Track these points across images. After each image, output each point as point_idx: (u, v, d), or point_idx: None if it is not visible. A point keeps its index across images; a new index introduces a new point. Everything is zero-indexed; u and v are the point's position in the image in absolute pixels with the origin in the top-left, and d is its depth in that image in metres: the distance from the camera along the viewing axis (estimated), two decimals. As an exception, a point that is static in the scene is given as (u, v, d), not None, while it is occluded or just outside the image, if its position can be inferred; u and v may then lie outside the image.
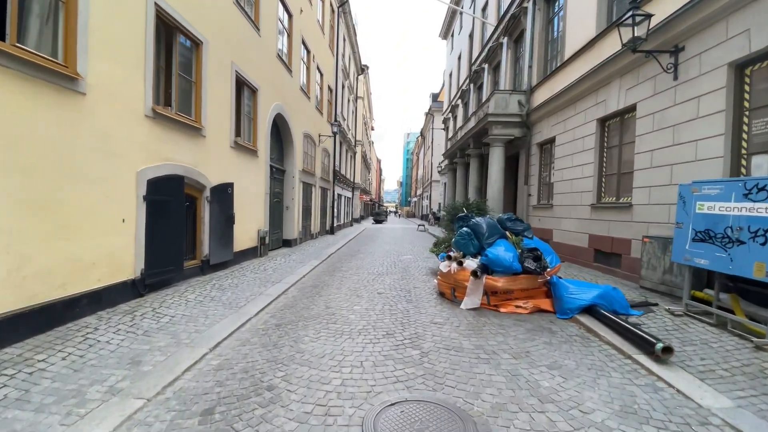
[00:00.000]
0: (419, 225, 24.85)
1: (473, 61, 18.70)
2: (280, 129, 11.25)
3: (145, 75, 4.98)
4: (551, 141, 9.88)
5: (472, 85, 18.45)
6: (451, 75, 26.33)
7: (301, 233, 12.69)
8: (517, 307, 4.96)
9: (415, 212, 63.11)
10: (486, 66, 16.00)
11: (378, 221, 38.04)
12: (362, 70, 28.39)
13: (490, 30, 15.96)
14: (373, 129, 55.42)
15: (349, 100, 23.95)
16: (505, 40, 13.60)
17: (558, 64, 9.53)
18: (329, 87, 17.14)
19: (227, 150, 7.36)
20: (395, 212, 78.15)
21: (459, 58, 23.35)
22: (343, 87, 20.95)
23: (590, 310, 4.67)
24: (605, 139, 7.67)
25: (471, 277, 5.02)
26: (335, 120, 15.18)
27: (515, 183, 12.72)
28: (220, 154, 7.10)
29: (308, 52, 13.35)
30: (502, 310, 4.94)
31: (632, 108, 6.71)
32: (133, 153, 4.83)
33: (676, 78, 5.71)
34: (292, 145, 11.60)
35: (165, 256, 5.46)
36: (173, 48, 5.76)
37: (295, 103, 11.86)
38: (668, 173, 5.77)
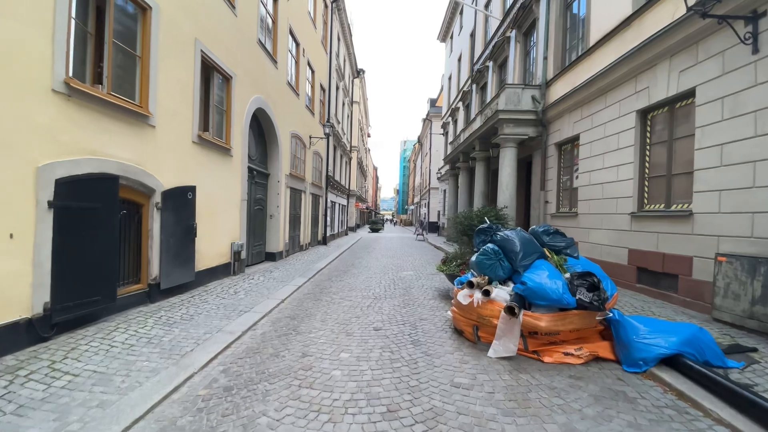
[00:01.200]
0: (418, 234, 23.48)
1: (475, 60, 17.57)
2: (263, 127, 9.91)
3: (54, 35, 3.61)
4: (574, 140, 8.61)
5: (474, 86, 17.29)
6: (450, 78, 25.26)
7: (287, 245, 11.26)
8: (566, 354, 3.58)
9: (412, 220, 61.79)
10: (491, 64, 14.84)
11: (374, 230, 36.64)
12: (358, 73, 27.30)
13: (494, 25, 14.84)
14: (369, 136, 54.37)
15: (344, 103, 22.75)
16: (513, 34, 12.45)
17: (581, 52, 8.30)
18: (322, 86, 15.89)
19: (188, 146, 5.98)
20: (391, 220, 76.83)
21: (459, 59, 22.28)
22: (337, 88, 19.75)
23: (671, 359, 3.32)
24: (648, 134, 6.39)
25: (502, 313, 3.64)
26: (328, 121, 13.92)
27: (527, 189, 11.43)
28: (178, 151, 5.72)
29: (297, 44, 12.10)
30: (547, 359, 3.55)
31: (689, 94, 5.43)
32: (30, 141, 3.44)
33: (756, 51, 4.44)
34: (278, 145, 10.24)
35: (86, 283, 4.04)
36: (107, 9, 4.41)
37: (282, 99, 10.54)
38: (749, 172, 4.46)
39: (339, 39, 20.02)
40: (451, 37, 25.30)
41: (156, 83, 5.13)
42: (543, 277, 3.65)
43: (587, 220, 7.74)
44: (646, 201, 6.36)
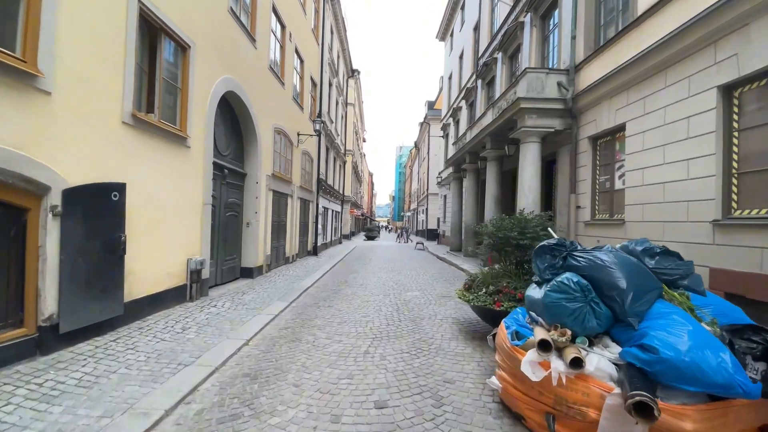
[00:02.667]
0: (417, 243, 21.84)
1: (480, 54, 16.13)
2: (238, 117, 8.25)
3: None
4: (616, 131, 7.06)
5: (479, 81, 15.82)
6: (450, 77, 23.86)
7: (269, 258, 9.55)
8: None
9: (408, 227, 60.15)
10: (499, 55, 13.37)
11: (370, 237, 34.95)
12: (353, 72, 25.84)
13: (503, 13, 13.42)
14: (365, 140, 52.91)
15: (337, 102, 21.21)
16: (527, 18, 10.99)
17: (623, 25, 6.81)
18: (313, 80, 14.32)
19: (114, 128, 4.31)
20: (387, 227, 75.11)
21: (461, 56, 20.89)
22: (330, 85, 18.22)
23: None
24: (735, 116, 4.84)
25: (609, 403, 2.00)
26: (318, 116, 12.33)
27: (548, 192, 9.86)
28: (95, 133, 4.05)
29: (283, 27, 10.52)
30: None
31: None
32: None
33: None
34: (257, 140, 8.59)
35: None
36: None
37: (262, 85, 8.92)
38: None
39: (332, 32, 18.54)
40: (451, 35, 23.98)
41: (54, 29, 3.48)
42: (685, 337, 2.00)
43: (640, 229, 6.15)
44: (734, 205, 4.78)
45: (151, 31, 5.13)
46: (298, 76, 12.30)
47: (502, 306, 3.93)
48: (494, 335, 3.52)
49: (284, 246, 11.07)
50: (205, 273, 6.37)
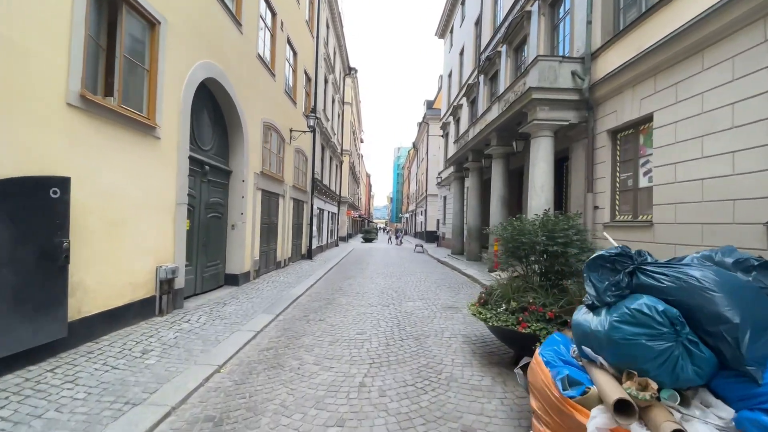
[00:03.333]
0: (416, 246, 21.11)
1: (482, 49, 15.47)
2: (222, 109, 7.51)
3: None
4: (641, 123, 6.37)
5: (482, 77, 15.15)
6: (450, 75, 23.21)
7: (257, 263, 8.78)
8: None
9: (406, 229, 59.45)
10: (504, 48, 12.71)
11: (368, 239, 34.21)
12: (350, 70, 25.14)
13: (507, 5, 12.76)
14: (362, 141, 52.23)
15: (334, 100, 20.49)
16: (535, 7, 10.33)
17: (651, 5, 6.12)
18: (307, 74, 13.59)
19: (56, 109, 3.56)
20: (384, 229, 74.28)
21: (461, 52, 20.24)
22: (326, 81, 17.50)
23: None
24: (795, 100, 4.15)
25: None
26: (313, 111, 11.59)
27: (560, 190, 9.15)
28: (27, 115, 3.29)
29: (273, 14, 9.80)
30: None
31: None
32: None
33: None
34: (243, 134, 7.84)
35: None
36: None
37: (249, 74, 8.18)
38: None
39: (328, 26, 17.83)
40: (451, 32, 23.35)
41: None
42: None
43: (673, 232, 5.45)
44: (794, 204, 4.09)
45: (111, 1, 4.38)
46: (290, 69, 11.57)
47: (529, 328, 3.20)
48: (523, 367, 2.79)
49: (275, 250, 10.31)
50: (180, 282, 5.61)
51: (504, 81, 12.59)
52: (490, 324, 3.44)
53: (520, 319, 3.29)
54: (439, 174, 24.27)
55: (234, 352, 4.12)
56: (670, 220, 5.51)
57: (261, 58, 8.82)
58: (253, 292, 7.27)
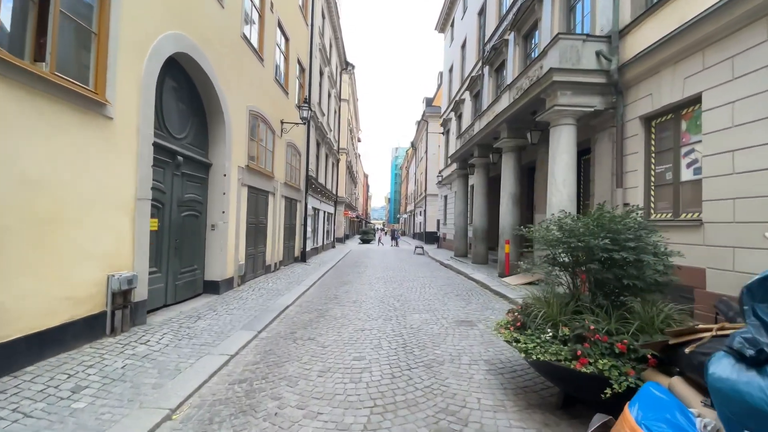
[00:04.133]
0: (416, 247, 20.22)
1: (487, 39, 14.62)
2: (199, 92, 6.58)
3: None
4: (685, 106, 5.50)
5: (486, 68, 14.29)
6: (451, 69, 22.38)
7: (242, 268, 7.85)
8: None
9: (405, 230, 58.61)
10: (512, 35, 11.85)
11: (365, 240, 33.29)
12: (346, 65, 24.24)
13: (515, -10, 11.90)
14: (359, 140, 51.34)
15: (330, 95, 19.58)
16: (548, -13, 9.47)
17: (695, -32, 5.25)
18: (300, 63, 12.67)
19: (-58, 66, 2.63)
20: (382, 229, 73.28)
21: (463, 45, 19.40)
22: (321, 74, 16.59)
23: None
24: None
25: None
26: (306, 101, 10.66)
27: (579, 187, 8.26)
28: None
29: (262, -7, 8.88)
30: None
31: None
32: None
33: None
34: (225, 123, 6.91)
35: None
36: None
37: (232, 54, 7.25)
38: None
39: (323, 16, 16.93)
40: (452, 25, 22.53)
41: None
42: None
43: (730, 233, 4.57)
44: None
45: (41, -60, 3.45)
46: (281, 56, 10.65)
47: (591, 365, 2.30)
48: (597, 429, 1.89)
49: (264, 253, 9.37)
50: (141, 293, 4.67)
51: (512, 70, 11.73)
52: (535, 358, 2.53)
53: (579, 352, 2.38)
54: (440, 173, 23.40)
55: (195, 387, 3.20)
56: (726, 219, 4.63)
57: (246, 39, 7.90)
58: (235, 302, 6.34)
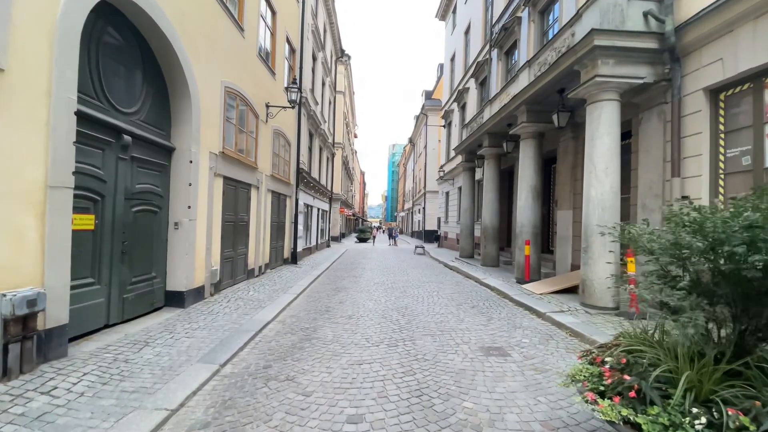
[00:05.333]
0: (417, 247, 19.01)
1: (495, 20, 13.38)
2: (158, 58, 5.30)
3: None
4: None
5: (495, 52, 13.06)
6: (453, 58, 21.14)
7: (216, 274, 6.60)
8: None
9: (402, 228, 57.43)
10: (525, 12, 10.63)
11: (362, 239, 32.04)
12: (342, 53, 22.92)
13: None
14: (356, 136, 49.98)
15: (324, 84, 18.27)
16: (572, -49, 8.24)
17: None
18: (290, 42, 11.38)
19: None
20: (379, 227, 72.04)
21: (466, 31, 18.16)
22: (315, 59, 15.29)
23: None
24: None
25: None
26: (295, 82, 9.35)
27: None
28: None
29: (242, -48, 7.57)
30: None
31: None
32: None
33: None
34: (190, 99, 5.63)
35: None
36: None
37: (200, 15, 5.97)
38: None
39: (317, -3, 15.60)
40: (454, 11, 21.28)
41: None
42: None
43: None
44: None
45: None
46: (267, 30, 9.36)
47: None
48: None
49: (245, 255, 8.11)
50: (57, 316, 3.41)
51: (526, 50, 10.51)
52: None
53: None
54: (441, 167, 22.18)
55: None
56: None
57: (223, 4, 6.60)
58: (202, 318, 5.09)
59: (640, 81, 5.49)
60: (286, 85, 9.90)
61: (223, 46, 6.76)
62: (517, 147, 9.92)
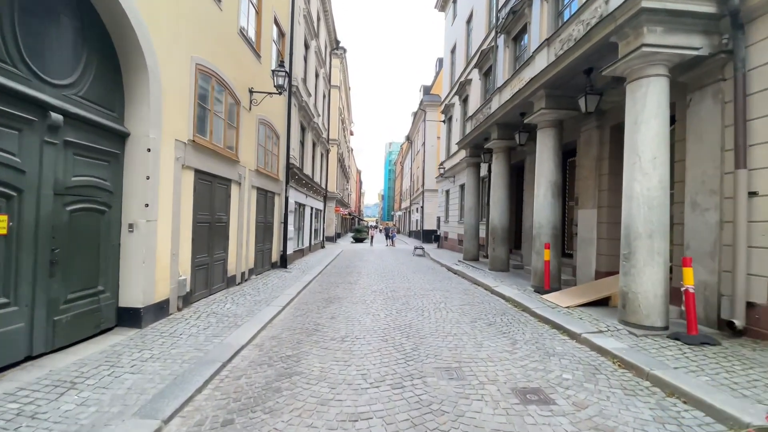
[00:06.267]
0: (416, 248, 18.04)
1: (502, 4, 12.43)
2: (103, 19, 4.27)
3: None
4: None
5: (502, 38, 12.11)
6: (454, 49, 20.19)
7: (185, 285, 5.58)
8: None
9: (399, 228, 56.49)
10: (537, -8, 9.68)
11: (358, 239, 31.04)
12: (337, 44, 21.86)
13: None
14: (352, 134, 48.94)
15: (318, 75, 17.24)
16: None
17: None
18: (279, 24, 10.35)
19: None
20: (375, 227, 71.08)
21: (468, 20, 17.22)
22: (307, 48, 14.26)
23: None
24: None
25: None
26: (281, 64, 8.30)
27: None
28: None
29: None
30: None
31: None
32: None
33: None
34: (147, 72, 4.60)
35: None
36: None
37: (163, -24, 4.94)
38: None
39: (310, -20, 14.54)
40: (454, 0, 20.30)
41: None
42: None
43: None
44: None
45: None
46: (251, 7, 8.32)
47: None
48: None
49: (224, 260, 7.09)
50: None
51: (538, 34, 9.56)
52: None
53: None
54: (441, 164, 21.22)
55: None
56: None
57: (190, -40, 5.58)
58: (159, 344, 4.08)
59: (694, 52, 4.54)
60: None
61: (194, 15, 5.73)
62: (530, 139, 8.98)
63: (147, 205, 4.67)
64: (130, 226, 4.62)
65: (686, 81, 5.11)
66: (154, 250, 4.81)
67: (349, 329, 4.91)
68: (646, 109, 4.60)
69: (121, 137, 4.59)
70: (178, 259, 5.40)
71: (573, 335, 4.55)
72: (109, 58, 4.40)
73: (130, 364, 3.57)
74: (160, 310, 4.98)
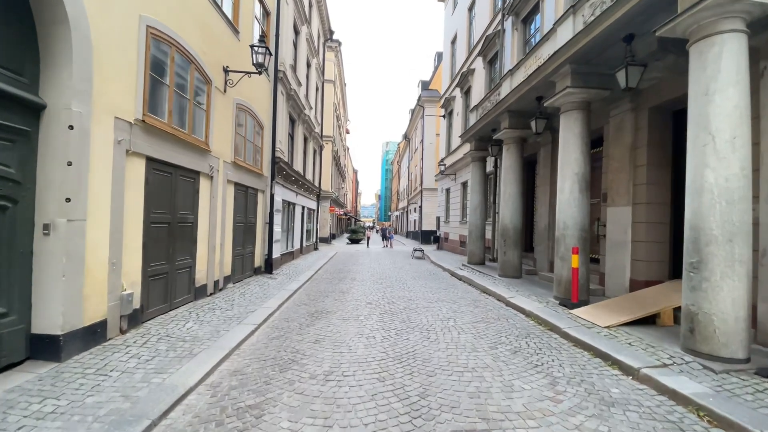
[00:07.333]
0: (415, 250, 16.96)
1: (508, -15, 11.38)
2: (-1, -50, 3.15)
3: None
4: None
5: (510, 20, 11.06)
6: (454, 40, 19.17)
7: (130, 302, 4.46)
8: None
9: (396, 228, 55.41)
10: (551, -35, 8.63)
11: (354, 240, 29.94)
12: (330, 34, 20.73)
13: None
14: (348, 132, 47.78)
15: (310, 65, 16.12)
16: None
17: None
18: (263, 1, 9.23)
19: None
20: (372, 227, 69.74)
21: (470, 7, 16.22)
22: (297, 33, 13.14)
23: None
24: None
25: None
26: (262, 39, 7.16)
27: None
28: None
29: None
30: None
31: None
32: None
33: None
34: (68, 27, 3.48)
35: None
36: None
37: None
38: None
39: (300, -40, 13.41)
40: (455, -11, 19.27)
41: None
42: None
43: None
44: None
45: None
46: (227, -27, 7.20)
47: None
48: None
49: (190, 268, 5.97)
50: None
51: (554, 10, 8.52)
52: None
53: None
54: (442, 161, 20.15)
55: None
56: None
57: None
58: (73, 389, 2.98)
59: (782, 3, 3.48)
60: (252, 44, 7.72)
61: (145, -34, 4.62)
62: (547, 128, 7.92)
63: (68, 200, 3.55)
64: (45, 227, 3.50)
65: (757, 45, 4.06)
66: (82, 258, 3.70)
67: (336, 360, 3.82)
68: (721, 75, 3.54)
69: (34, 110, 3.47)
70: (121, 269, 4.28)
71: (628, 370, 3.48)
72: (14, 9, 3.28)
73: (16, 426, 2.46)
74: (92, 335, 3.86)
